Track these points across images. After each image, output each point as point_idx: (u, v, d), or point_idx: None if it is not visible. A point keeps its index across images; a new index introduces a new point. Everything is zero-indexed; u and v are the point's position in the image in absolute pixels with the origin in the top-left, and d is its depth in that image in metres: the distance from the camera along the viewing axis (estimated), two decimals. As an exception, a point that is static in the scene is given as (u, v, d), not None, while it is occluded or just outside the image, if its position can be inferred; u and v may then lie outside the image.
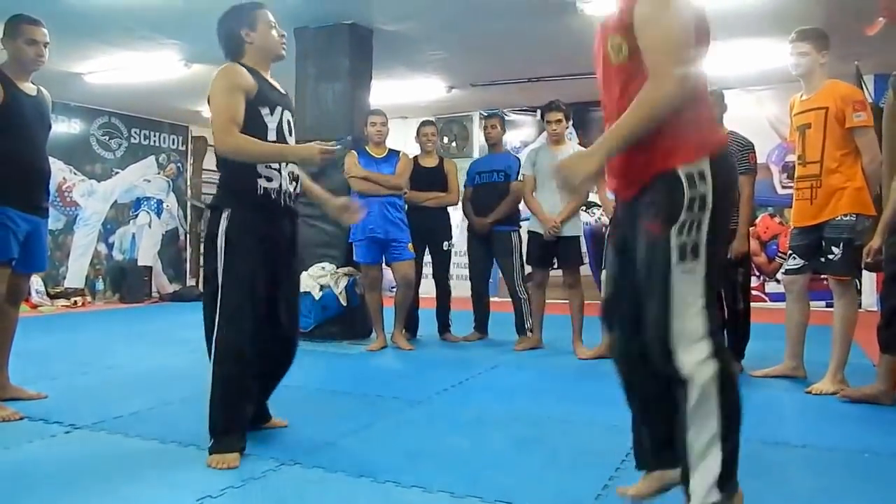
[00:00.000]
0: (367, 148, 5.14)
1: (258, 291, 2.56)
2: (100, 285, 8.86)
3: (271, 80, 2.70)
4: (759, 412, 3.27)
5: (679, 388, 1.76)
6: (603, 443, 2.75)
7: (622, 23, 1.84)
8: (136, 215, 9.42)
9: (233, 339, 2.50)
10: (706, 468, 1.73)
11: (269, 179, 2.59)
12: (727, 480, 1.73)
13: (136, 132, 9.37)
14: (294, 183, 2.71)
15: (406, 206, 5.12)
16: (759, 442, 2.68)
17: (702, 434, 1.73)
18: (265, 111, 2.60)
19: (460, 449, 2.73)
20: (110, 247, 9.09)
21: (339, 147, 2.89)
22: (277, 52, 2.70)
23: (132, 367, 4.40)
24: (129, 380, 4.03)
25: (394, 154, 5.13)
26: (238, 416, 2.54)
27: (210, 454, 2.47)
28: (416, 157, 5.33)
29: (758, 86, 7.46)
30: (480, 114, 9.14)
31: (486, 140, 5.51)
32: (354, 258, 5.10)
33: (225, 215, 2.54)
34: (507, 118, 7.15)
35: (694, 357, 1.73)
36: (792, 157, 6.70)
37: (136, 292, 8.96)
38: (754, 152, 4.20)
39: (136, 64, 6.59)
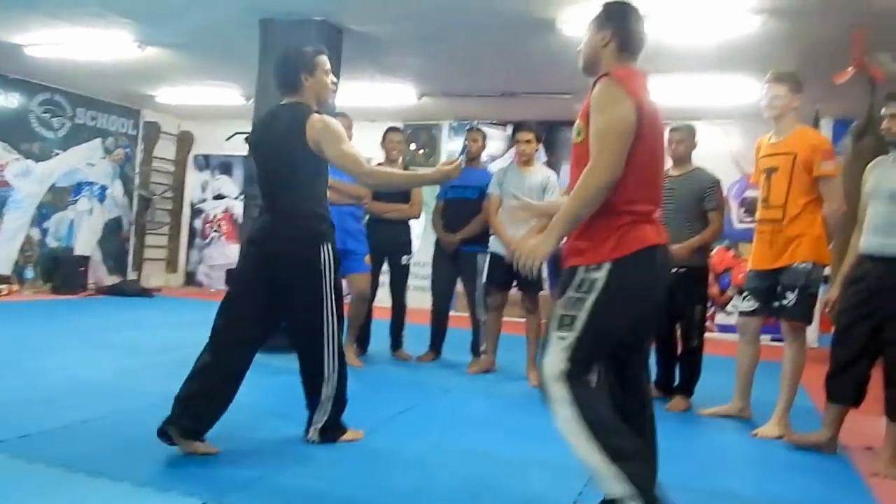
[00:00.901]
0: None
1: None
2: (30, 273, 8.32)
3: None
4: (706, 458, 3.30)
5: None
6: (553, 487, 2.66)
7: (585, 108, 2.15)
8: (76, 201, 8.91)
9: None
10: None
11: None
12: None
13: (81, 112, 8.86)
14: None
15: (366, 217, 4.88)
16: (706, 493, 2.72)
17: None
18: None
19: (403, 493, 2.53)
20: (44, 232, 8.55)
21: (461, 157, 3.07)
22: (327, 98, 3.04)
23: (53, 373, 4.02)
24: (47, 389, 3.66)
25: None
26: None
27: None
28: (379, 165, 5.10)
29: (724, 119, 7.46)
30: (450, 124, 8.98)
31: (466, 154, 5.31)
32: None
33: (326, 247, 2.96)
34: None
35: (556, 391, 2.08)
36: (751, 193, 6.74)
37: (70, 283, 8.42)
38: (721, 189, 4.22)
39: (84, 40, 6.17)
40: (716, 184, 4.14)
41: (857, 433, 3.54)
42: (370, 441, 3.13)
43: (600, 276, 2.07)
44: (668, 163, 4.29)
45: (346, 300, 4.74)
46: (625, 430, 2.09)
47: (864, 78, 4.26)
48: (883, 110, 3.14)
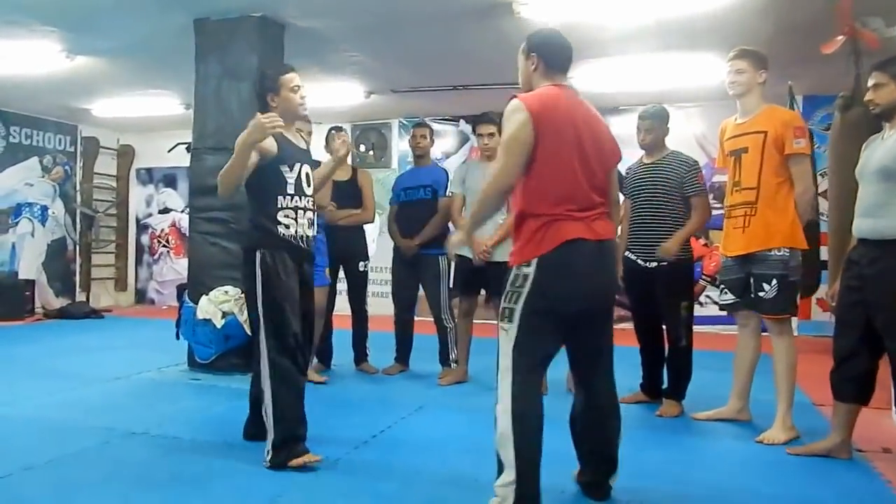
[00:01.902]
0: None
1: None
2: (-29, 300, 7.83)
3: (292, 139, 3.09)
4: (709, 471, 2.99)
5: None
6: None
7: None
8: (17, 223, 8.43)
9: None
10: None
11: (287, 227, 3.01)
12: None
13: (15, 130, 8.37)
14: (312, 228, 3.14)
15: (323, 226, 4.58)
16: None
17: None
18: (285, 168, 3.00)
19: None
20: (-15, 258, 8.09)
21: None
22: (298, 114, 3.16)
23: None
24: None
25: (314, 166, 4.57)
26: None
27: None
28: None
29: (687, 102, 7.28)
30: (400, 122, 8.66)
31: (414, 151, 5.01)
32: None
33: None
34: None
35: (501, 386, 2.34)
36: (719, 178, 6.58)
37: (15, 308, 7.93)
38: (701, 172, 3.97)
39: (5, 53, 5.74)
40: (695, 166, 3.89)
41: (872, 434, 3.31)
42: (340, 473, 2.85)
43: (530, 271, 2.32)
44: (639, 152, 4.08)
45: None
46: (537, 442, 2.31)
47: (846, 49, 4.05)
48: (869, 81, 2.94)
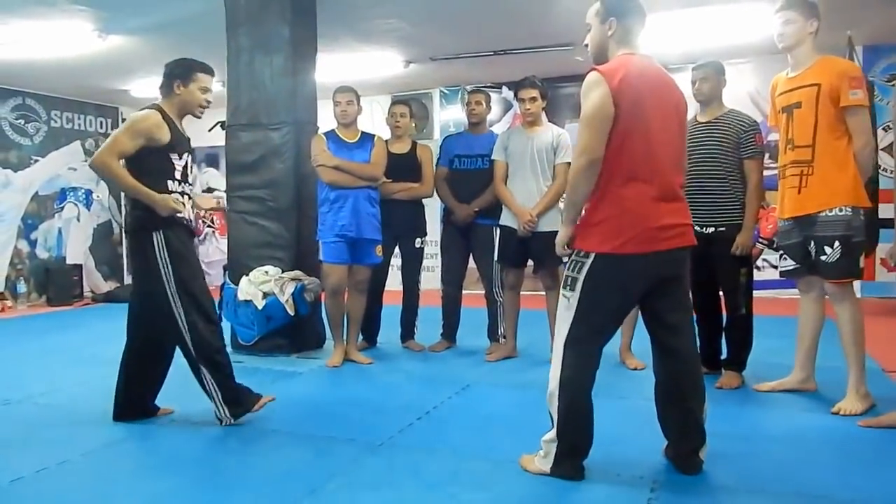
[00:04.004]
0: (336, 131, 4.44)
1: None
2: (22, 287, 7.94)
3: (182, 129, 3.18)
4: (778, 448, 2.77)
5: None
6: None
7: None
8: (62, 208, 8.50)
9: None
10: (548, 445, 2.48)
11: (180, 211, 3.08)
12: None
13: (56, 115, 8.41)
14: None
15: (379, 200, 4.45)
16: (791, 496, 2.29)
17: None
18: (174, 156, 3.10)
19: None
20: (33, 244, 8.16)
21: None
22: (194, 113, 3.22)
23: (30, 401, 3.66)
24: (22, 422, 3.30)
25: (368, 138, 4.46)
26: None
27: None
28: (386, 141, 4.65)
29: (738, 58, 6.89)
30: (441, 91, 8.45)
31: (469, 118, 4.80)
32: (320, 257, 4.39)
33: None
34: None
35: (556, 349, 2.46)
36: (774, 136, 6.24)
37: (64, 293, 8.08)
38: (760, 133, 3.72)
39: (40, 35, 5.69)
40: (754, 126, 3.65)
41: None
42: (386, 455, 2.74)
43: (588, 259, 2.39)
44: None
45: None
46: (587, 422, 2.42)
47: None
48: None
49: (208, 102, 3.21)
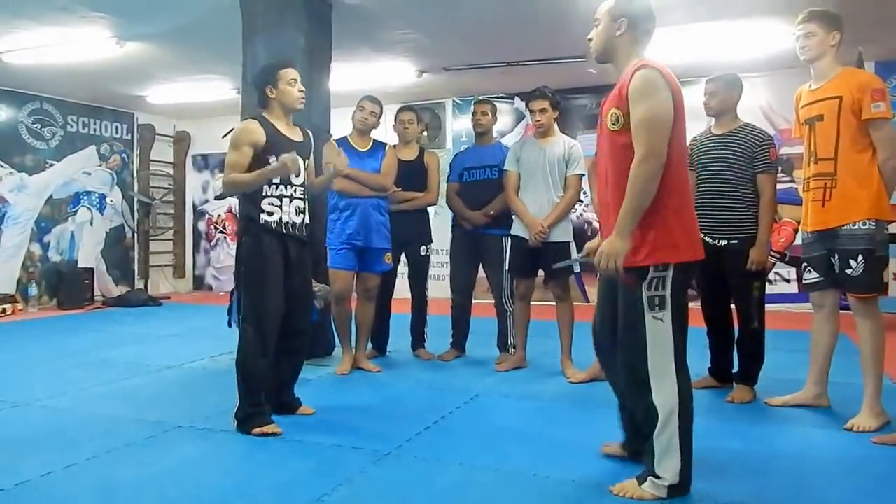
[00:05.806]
0: (349, 139, 4.45)
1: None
2: (33, 290, 7.99)
3: (285, 132, 3.26)
4: (791, 466, 2.72)
5: None
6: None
7: (620, 97, 2.31)
8: (76, 211, 8.58)
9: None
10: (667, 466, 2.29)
11: (270, 214, 3.18)
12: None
13: (72, 119, 8.51)
14: (301, 215, 3.28)
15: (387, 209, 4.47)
16: None
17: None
18: (272, 159, 3.13)
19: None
20: (45, 247, 8.23)
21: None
22: (295, 107, 3.29)
23: (37, 405, 3.66)
24: (27, 427, 3.30)
25: (380, 147, 4.48)
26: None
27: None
28: (393, 147, 4.67)
29: (752, 72, 6.88)
30: (454, 101, 8.48)
31: (475, 128, 4.82)
32: (328, 263, 4.39)
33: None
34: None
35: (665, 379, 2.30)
36: (786, 150, 6.21)
37: (75, 297, 8.11)
38: (775, 147, 3.69)
39: (60, 41, 5.75)
40: (768, 140, 3.62)
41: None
42: (393, 465, 2.72)
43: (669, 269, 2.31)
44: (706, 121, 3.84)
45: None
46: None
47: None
48: None
49: (302, 92, 3.28)
